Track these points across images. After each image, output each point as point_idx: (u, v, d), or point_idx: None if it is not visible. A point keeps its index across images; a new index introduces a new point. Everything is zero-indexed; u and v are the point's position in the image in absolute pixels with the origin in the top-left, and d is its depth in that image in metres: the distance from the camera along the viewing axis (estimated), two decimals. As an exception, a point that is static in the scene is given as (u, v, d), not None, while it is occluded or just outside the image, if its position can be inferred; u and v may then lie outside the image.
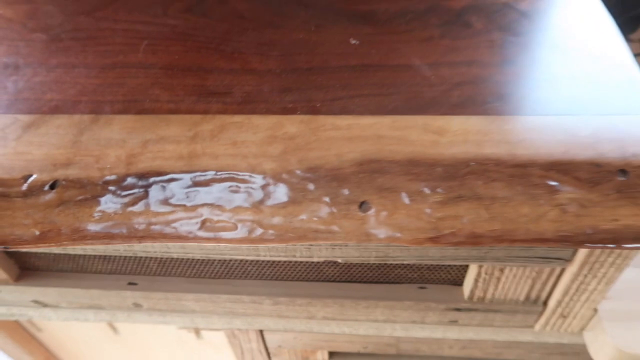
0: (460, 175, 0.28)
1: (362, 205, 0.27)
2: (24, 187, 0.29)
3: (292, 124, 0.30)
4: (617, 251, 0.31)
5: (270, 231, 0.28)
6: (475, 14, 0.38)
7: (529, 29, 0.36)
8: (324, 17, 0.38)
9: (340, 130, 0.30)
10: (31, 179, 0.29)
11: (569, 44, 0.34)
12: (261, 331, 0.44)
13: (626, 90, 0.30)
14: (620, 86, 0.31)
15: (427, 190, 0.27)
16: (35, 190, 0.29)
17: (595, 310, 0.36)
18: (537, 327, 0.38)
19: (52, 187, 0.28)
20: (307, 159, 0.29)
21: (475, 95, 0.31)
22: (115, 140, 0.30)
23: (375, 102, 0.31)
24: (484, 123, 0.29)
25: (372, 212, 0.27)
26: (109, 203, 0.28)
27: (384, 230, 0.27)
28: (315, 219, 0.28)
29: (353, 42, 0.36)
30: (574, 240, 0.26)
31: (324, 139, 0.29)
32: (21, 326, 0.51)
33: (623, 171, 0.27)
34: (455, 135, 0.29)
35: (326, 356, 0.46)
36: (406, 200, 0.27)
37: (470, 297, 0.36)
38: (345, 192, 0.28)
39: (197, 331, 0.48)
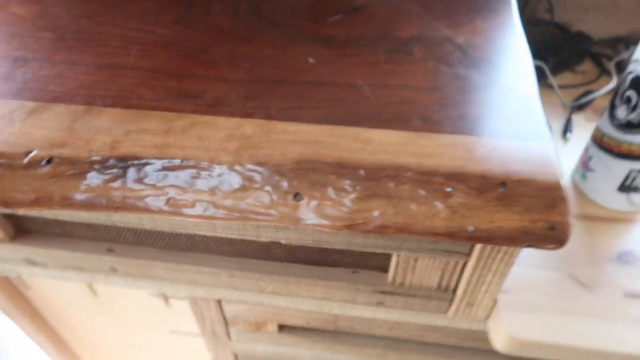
0: (377, 178, 0.34)
1: (296, 196, 0.34)
2: (25, 160, 0.35)
3: (249, 126, 0.37)
4: (504, 249, 0.38)
5: (222, 211, 0.35)
6: (419, 44, 0.44)
7: (461, 61, 0.43)
8: (290, 37, 0.45)
9: (287, 134, 0.36)
10: (31, 154, 0.35)
11: (489, 76, 0.41)
12: (219, 301, 0.50)
13: (521, 120, 0.37)
14: (518, 115, 0.37)
15: (348, 188, 0.34)
16: (34, 164, 0.35)
17: (495, 301, 0.43)
18: (450, 313, 0.45)
19: (48, 162, 0.35)
20: (257, 155, 0.35)
21: (402, 113, 0.38)
22: (103, 129, 0.36)
23: (320, 114, 0.38)
24: (403, 137, 0.36)
25: (304, 201, 0.34)
26: (93, 179, 0.35)
27: (312, 217, 0.34)
28: (258, 203, 0.34)
29: (311, 60, 0.43)
30: (458, 236, 0.33)
31: (273, 140, 0.36)
32: (11, 283, 0.58)
33: (504, 184, 0.34)
34: (378, 145, 0.36)
35: (275, 328, 0.53)
36: (332, 194, 0.34)
37: (393, 282, 0.43)
38: (284, 184, 0.35)
39: (165, 299, 0.55)
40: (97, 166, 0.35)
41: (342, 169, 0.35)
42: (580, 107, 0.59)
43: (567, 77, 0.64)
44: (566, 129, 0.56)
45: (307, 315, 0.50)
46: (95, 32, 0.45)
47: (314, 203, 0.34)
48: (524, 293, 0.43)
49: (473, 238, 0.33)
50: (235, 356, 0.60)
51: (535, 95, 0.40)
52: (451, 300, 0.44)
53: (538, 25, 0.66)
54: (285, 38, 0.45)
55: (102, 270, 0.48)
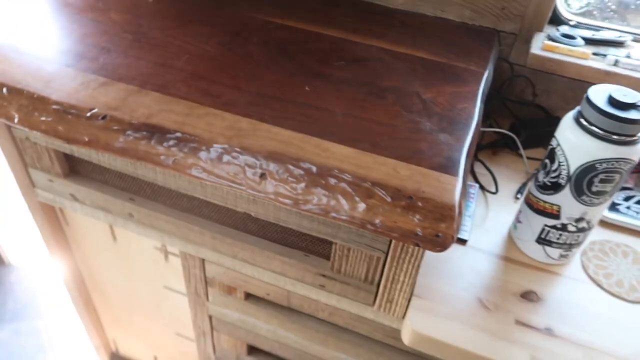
0: (323, 175, 0.47)
1: (262, 175, 0.47)
2: (88, 114, 0.51)
3: (245, 123, 0.51)
4: (411, 252, 0.49)
5: (209, 175, 0.48)
6: (392, 93, 0.57)
7: (420, 111, 0.55)
8: (299, 70, 0.59)
9: (269, 133, 0.50)
10: (93, 111, 0.51)
11: (436, 126, 0.53)
12: (203, 260, 0.63)
13: (445, 159, 0.49)
14: (443, 156, 0.49)
15: (300, 177, 0.47)
16: (93, 117, 0.51)
17: (409, 301, 0.53)
18: (375, 306, 0.56)
19: (103, 118, 0.50)
20: (244, 143, 0.49)
21: (357, 136, 0.51)
22: (145, 104, 0.52)
23: (298, 125, 0.51)
24: (352, 152, 0.49)
25: (267, 180, 0.47)
26: (129, 135, 0.50)
27: (270, 192, 0.47)
28: (235, 174, 0.48)
29: (307, 88, 0.57)
30: (367, 226, 0.45)
31: (258, 135, 0.50)
32: (56, 216, 0.74)
33: (411, 197, 0.45)
34: (331, 154, 0.49)
35: (243, 296, 0.65)
36: (287, 179, 0.47)
37: (332, 267, 0.55)
38: (257, 165, 0.48)
39: (165, 253, 0.69)
40: (134, 127, 0.50)
41: (300, 163, 0.48)
42: (539, 176, 0.69)
43: (539, 152, 0.74)
44: (519, 191, 0.67)
45: (267, 287, 0.62)
46: (162, 41, 0.62)
47: (273, 182, 0.47)
48: (434, 301, 0.53)
49: (377, 230, 0.44)
50: (210, 318, 0.72)
51: (463, 148, 0.51)
52: (376, 295, 0.55)
53: (522, 104, 0.77)
54: (295, 70, 0.59)
55: (122, 214, 0.62)
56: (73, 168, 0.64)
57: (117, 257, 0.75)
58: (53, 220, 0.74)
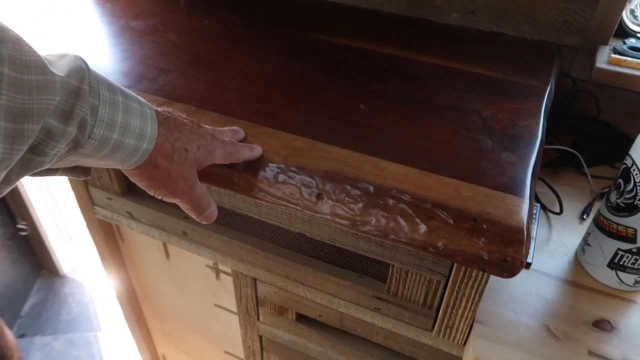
0: (381, 195, 0.46)
1: (318, 195, 0.47)
2: (149, 134, 0.52)
3: (300, 142, 0.50)
4: (475, 276, 0.46)
5: (265, 195, 0.48)
6: (450, 110, 0.56)
7: (479, 129, 0.53)
8: (353, 88, 0.59)
9: (325, 152, 0.49)
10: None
11: (497, 144, 0.51)
12: (255, 280, 0.63)
13: (509, 179, 0.47)
14: (508, 175, 0.47)
15: (358, 197, 0.46)
16: (154, 137, 0.51)
17: (471, 327, 0.50)
18: (434, 332, 0.53)
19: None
20: (299, 162, 0.48)
21: (416, 155, 0.49)
22: (203, 123, 0.52)
23: (354, 144, 0.50)
24: (411, 172, 0.47)
25: (323, 200, 0.46)
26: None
27: (327, 212, 0.46)
28: (290, 194, 0.47)
29: (362, 107, 0.56)
30: (429, 249, 0.43)
31: (314, 155, 0.49)
32: (112, 232, 0.75)
33: (475, 219, 0.43)
34: (389, 173, 0.47)
35: (294, 316, 0.64)
36: (345, 199, 0.46)
37: (388, 290, 0.53)
38: (313, 185, 0.47)
39: (217, 272, 0.69)
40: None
41: (357, 183, 0.47)
42: (604, 196, 0.65)
43: (604, 170, 0.70)
44: (584, 211, 0.63)
45: (320, 309, 0.61)
46: (218, 62, 0.63)
47: (330, 203, 0.46)
48: (498, 328, 0.50)
49: (440, 253, 0.43)
50: (260, 337, 0.71)
51: (528, 167, 0.49)
52: (435, 319, 0.53)
53: (585, 120, 0.73)
54: (349, 88, 0.59)
55: (176, 232, 0.63)
56: (131, 187, 0.65)
57: (169, 274, 0.76)
58: (109, 237, 0.76)
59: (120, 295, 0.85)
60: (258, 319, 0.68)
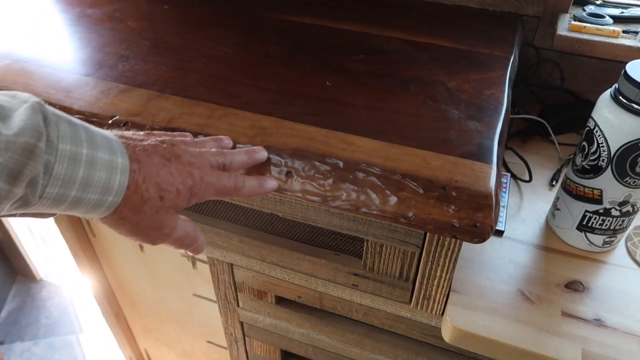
0: (352, 170, 0.45)
1: (288, 174, 0.46)
2: (110, 122, 0.50)
3: (267, 121, 0.50)
4: (447, 245, 0.47)
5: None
6: (416, 83, 0.56)
7: (445, 99, 0.53)
8: (318, 66, 0.58)
9: (292, 130, 0.49)
10: (114, 118, 0.50)
11: (463, 113, 0.51)
12: (231, 265, 0.62)
13: (476, 147, 0.47)
14: (474, 143, 0.47)
15: (328, 173, 0.45)
16: (115, 124, 0.50)
17: (447, 297, 0.51)
18: (412, 304, 0.54)
19: (125, 125, 0.50)
20: (266, 141, 0.48)
21: (383, 129, 0.49)
22: (166, 109, 0.51)
23: (321, 120, 0.50)
24: (379, 145, 0.47)
25: (293, 178, 0.46)
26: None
27: (297, 190, 0.45)
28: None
29: (328, 83, 0.55)
30: (400, 221, 0.43)
31: (281, 133, 0.48)
32: (83, 228, 0.74)
33: (444, 187, 0.43)
34: (357, 147, 0.47)
35: (274, 299, 0.64)
36: (315, 176, 0.46)
37: (364, 266, 0.53)
38: (282, 163, 0.47)
39: (193, 261, 0.68)
40: (155, 131, 0.49)
41: (326, 159, 0.46)
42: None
43: (571, 137, 0.71)
44: (554, 177, 0.64)
45: (298, 290, 0.60)
46: (180, 45, 0.61)
47: (300, 180, 0.46)
48: (474, 296, 0.51)
49: (411, 223, 0.43)
50: (241, 324, 0.71)
51: (494, 134, 0.49)
52: (412, 292, 0.53)
53: (549, 89, 0.74)
54: (314, 66, 0.58)
55: (148, 222, 0.62)
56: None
57: (145, 267, 0.75)
58: (80, 232, 0.74)
59: (97, 293, 0.84)
60: (238, 305, 0.68)
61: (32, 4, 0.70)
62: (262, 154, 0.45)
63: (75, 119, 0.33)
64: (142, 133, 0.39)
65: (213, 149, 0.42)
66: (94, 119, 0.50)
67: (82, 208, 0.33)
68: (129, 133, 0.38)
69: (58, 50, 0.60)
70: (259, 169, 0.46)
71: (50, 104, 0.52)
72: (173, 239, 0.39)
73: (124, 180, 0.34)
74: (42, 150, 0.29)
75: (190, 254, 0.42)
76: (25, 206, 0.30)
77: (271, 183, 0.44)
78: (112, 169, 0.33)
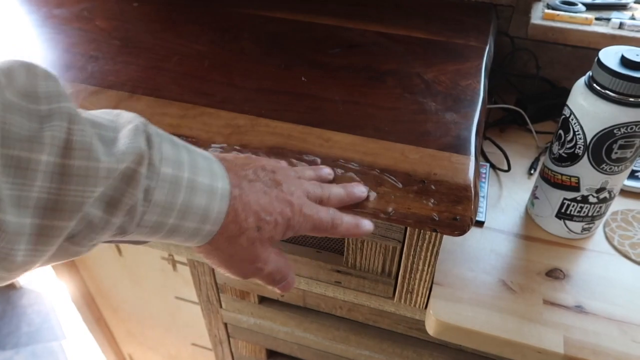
0: (330, 166, 0.45)
1: (265, 172, 0.45)
2: (81, 124, 0.49)
3: (242, 119, 0.49)
4: (428, 238, 0.46)
5: (210, 177, 0.46)
6: (393, 75, 0.55)
7: (422, 91, 0.53)
8: (293, 61, 0.57)
9: (268, 128, 0.48)
10: (86, 120, 0.49)
11: (441, 106, 0.51)
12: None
13: (453, 139, 0.47)
14: (452, 135, 0.47)
15: (307, 172, 0.45)
16: (86, 127, 0.49)
17: (430, 290, 0.51)
18: (395, 299, 0.53)
19: (96, 127, 0.48)
20: (243, 140, 0.47)
21: (361, 123, 0.49)
22: (137, 110, 0.50)
23: (298, 116, 0.49)
24: (356, 140, 0.47)
25: (270, 177, 0.45)
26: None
27: (274, 189, 0.45)
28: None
29: (304, 79, 0.54)
30: (380, 215, 0.42)
31: (257, 131, 0.48)
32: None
33: (423, 181, 0.43)
34: (335, 143, 0.46)
35: (256, 299, 0.63)
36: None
37: (346, 262, 0.53)
38: (258, 162, 0.46)
39: (173, 263, 0.67)
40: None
41: (304, 155, 0.46)
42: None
43: (548, 125, 0.72)
44: (532, 166, 0.64)
45: (281, 289, 0.60)
46: (151, 44, 0.60)
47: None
48: (456, 288, 0.50)
49: (391, 218, 0.42)
50: (225, 325, 0.70)
51: (472, 125, 0.49)
52: (395, 286, 0.53)
53: (525, 78, 0.75)
54: (289, 62, 0.57)
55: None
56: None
57: (124, 271, 0.73)
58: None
59: (76, 299, 0.82)
60: (221, 307, 0.67)
61: (-4, 4, 0.68)
62: (360, 189, 0.41)
63: (177, 139, 0.31)
64: (243, 156, 0.37)
65: (312, 180, 0.40)
66: (63, 123, 0.49)
67: (179, 236, 0.31)
68: (230, 156, 0.36)
69: (24, 53, 0.58)
70: (236, 168, 0.45)
71: (17, 108, 0.50)
72: (265, 273, 0.36)
73: (224, 207, 0.31)
74: (143, 176, 0.27)
75: (279, 291, 0.39)
76: (123, 234, 0.28)
77: (369, 225, 0.40)
78: (212, 194, 0.31)
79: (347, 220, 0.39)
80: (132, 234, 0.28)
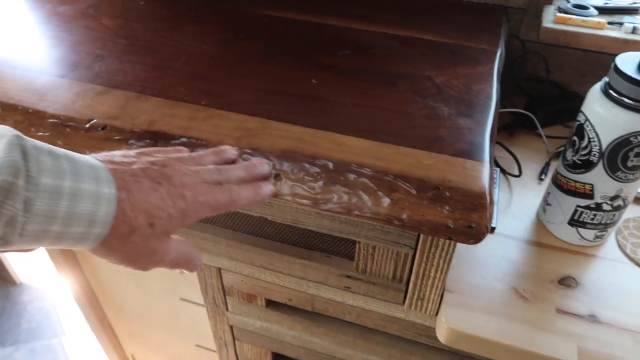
0: (342, 171, 0.44)
1: (277, 176, 0.44)
2: (87, 125, 0.48)
3: (253, 122, 0.48)
4: (442, 245, 0.46)
5: (220, 180, 0.45)
6: (403, 79, 0.54)
7: (433, 95, 0.52)
8: (303, 63, 0.56)
9: (279, 131, 0.47)
10: (92, 121, 0.48)
11: (453, 110, 0.50)
12: (219, 269, 0.61)
13: (467, 144, 0.46)
14: (466, 140, 0.46)
15: (318, 175, 0.44)
16: (93, 128, 0.48)
17: (441, 297, 0.50)
18: (405, 305, 0.53)
19: (103, 128, 0.48)
20: (253, 143, 0.46)
21: (373, 127, 0.48)
22: (146, 110, 0.49)
23: (309, 120, 0.48)
24: (369, 144, 0.46)
25: (282, 181, 0.44)
26: (132, 145, 0.47)
27: (287, 194, 0.44)
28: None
29: (314, 81, 0.54)
30: (394, 222, 0.42)
31: (268, 134, 0.47)
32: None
33: (438, 188, 0.42)
34: (347, 147, 0.46)
35: (264, 303, 0.62)
36: (304, 178, 0.44)
37: (356, 268, 0.52)
38: (270, 166, 0.45)
39: (179, 265, 0.66)
40: (136, 136, 0.47)
41: (316, 160, 0.45)
42: (559, 155, 0.66)
43: (558, 130, 0.71)
44: (542, 171, 0.64)
45: (289, 292, 0.59)
46: (158, 43, 0.59)
47: (289, 183, 0.44)
48: (468, 295, 0.50)
49: (405, 225, 0.41)
50: (231, 328, 0.69)
51: (485, 131, 0.48)
52: (405, 293, 0.52)
53: (535, 81, 0.74)
54: (299, 63, 0.56)
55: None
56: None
57: (128, 271, 0.73)
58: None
59: (79, 298, 0.81)
60: (227, 309, 0.66)
61: None
62: (262, 168, 0.43)
63: (58, 150, 0.31)
64: (132, 153, 0.37)
65: (210, 166, 0.40)
66: (71, 123, 0.48)
67: (67, 242, 0.31)
68: (118, 155, 0.36)
69: (29, 51, 0.57)
70: (246, 172, 0.44)
71: (24, 107, 0.50)
72: (167, 262, 0.37)
73: (111, 211, 0.32)
74: (21, 188, 0.27)
75: (187, 272, 0.40)
76: (6, 245, 0.28)
77: (267, 189, 0.42)
78: (98, 199, 0.31)
79: (245, 192, 0.40)
80: (16, 244, 0.29)
